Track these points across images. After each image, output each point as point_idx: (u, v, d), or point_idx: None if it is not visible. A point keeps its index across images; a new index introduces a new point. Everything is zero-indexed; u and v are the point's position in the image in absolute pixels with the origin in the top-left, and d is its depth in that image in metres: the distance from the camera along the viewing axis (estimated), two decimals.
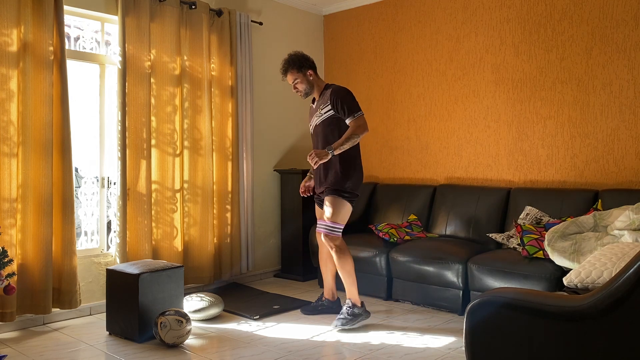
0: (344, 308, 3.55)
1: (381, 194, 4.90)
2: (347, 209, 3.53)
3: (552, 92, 4.16)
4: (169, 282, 3.39)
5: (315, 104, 3.71)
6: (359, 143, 3.58)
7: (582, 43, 4.01)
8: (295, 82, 3.64)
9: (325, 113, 3.56)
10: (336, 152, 3.38)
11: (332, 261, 3.78)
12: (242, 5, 4.86)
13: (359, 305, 3.55)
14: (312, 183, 3.86)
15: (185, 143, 4.28)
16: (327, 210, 3.53)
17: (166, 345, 3.13)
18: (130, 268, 3.35)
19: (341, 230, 3.53)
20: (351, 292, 3.54)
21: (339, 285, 3.88)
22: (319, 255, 3.85)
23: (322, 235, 3.55)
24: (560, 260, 3.23)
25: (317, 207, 3.81)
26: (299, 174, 4.92)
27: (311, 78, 3.65)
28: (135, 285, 3.22)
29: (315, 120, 3.65)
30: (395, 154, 5.10)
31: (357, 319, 3.51)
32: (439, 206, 4.49)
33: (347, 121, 3.50)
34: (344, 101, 3.50)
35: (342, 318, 3.50)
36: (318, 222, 3.65)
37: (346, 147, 3.40)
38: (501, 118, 4.42)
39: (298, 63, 3.62)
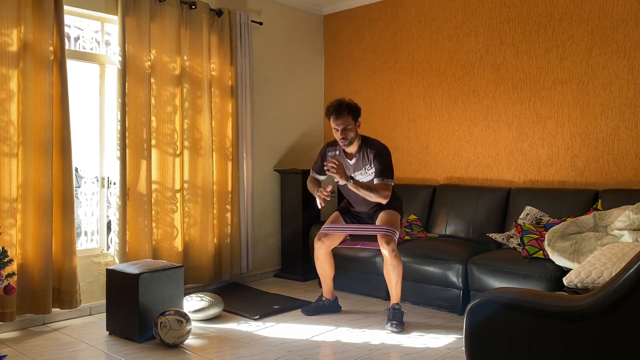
0: (398, 314, 3.51)
1: None
2: (399, 222, 3.68)
3: (552, 92, 4.16)
4: (169, 282, 3.39)
5: (352, 159, 3.64)
6: None
7: (582, 43, 4.01)
8: (348, 127, 3.52)
9: (371, 173, 3.59)
10: (350, 187, 3.49)
11: (329, 264, 3.78)
12: (242, 5, 4.86)
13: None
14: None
15: (186, 143, 4.28)
16: (387, 218, 3.59)
17: (166, 345, 3.13)
18: (130, 268, 3.35)
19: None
20: (400, 296, 3.59)
21: (337, 284, 3.89)
22: (315, 258, 3.81)
23: (381, 239, 3.50)
24: (560, 260, 3.23)
25: (338, 215, 3.81)
26: (299, 173, 4.92)
27: (358, 129, 3.63)
28: (135, 285, 3.22)
29: (359, 177, 3.63)
30: (395, 154, 5.06)
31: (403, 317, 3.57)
32: (439, 206, 4.49)
33: (376, 180, 3.55)
34: (385, 164, 3.57)
35: (397, 323, 3.46)
36: (378, 226, 3.58)
37: (361, 192, 3.50)
38: (501, 118, 4.42)
39: (356, 111, 3.58)
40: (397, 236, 3.58)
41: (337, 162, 3.47)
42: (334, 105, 3.57)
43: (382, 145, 3.65)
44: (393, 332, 3.41)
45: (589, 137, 4.00)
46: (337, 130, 3.54)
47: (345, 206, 3.88)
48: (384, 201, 3.55)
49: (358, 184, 3.51)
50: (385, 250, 3.49)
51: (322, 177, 3.83)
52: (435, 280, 3.83)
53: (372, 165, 3.58)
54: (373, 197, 3.51)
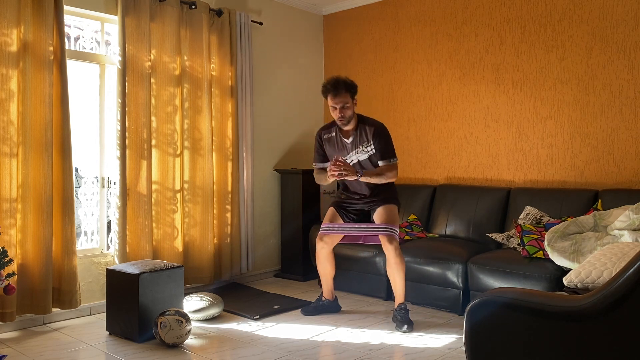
0: (406, 314, 3.48)
1: None
2: (398, 215, 3.67)
3: (552, 92, 4.16)
4: (169, 282, 3.39)
5: (349, 139, 3.61)
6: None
7: (582, 43, 4.01)
8: (345, 105, 3.48)
9: (370, 150, 3.56)
10: (362, 179, 3.48)
11: (331, 263, 3.77)
12: (242, 5, 4.86)
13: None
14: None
15: (186, 143, 4.28)
16: (386, 215, 3.56)
17: (166, 345, 3.13)
18: (130, 268, 3.35)
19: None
20: (404, 295, 3.57)
21: (337, 284, 3.89)
22: (317, 257, 3.80)
23: (384, 238, 3.48)
24: (560, 260, 3.23)
25: (335, 212, 3.72)
26: (299, 173, 4.92)
27: (355, 107, 3.59)
28: (135, 285, 3.22)
29: (358, 156, 3.60)
30: None
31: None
32: (439, 206, 4.49)
33: (381, 163, 3.54)
34: (386, 143, 3.56)
35: (408, 325, 3.42)
36: (379, 225, 3.54)
37: (371, 180, 3.50)
38: (501, 118, 4.42)
39: (353, 88, 3.52)
40: (398, 232, 3.57)
41: (340, 161, 3.43)
42: (331, 82, 3.49)
43: (380, 123, 3.62)
44: (405, 332, 3.39)
45: (589, 137, 4.00)
46: (336, 108, 3.50)
47: (339, 200, 3.80)
48: (392, 180, 3.57)
49: (367, 174, 3.49)
50: (388, 250, 3.48)
51: (328, 164, 3.63)
52: (435, 280, 3.83)
53: (371, 143, 3.54)
54: (383, 181, 3.53)
